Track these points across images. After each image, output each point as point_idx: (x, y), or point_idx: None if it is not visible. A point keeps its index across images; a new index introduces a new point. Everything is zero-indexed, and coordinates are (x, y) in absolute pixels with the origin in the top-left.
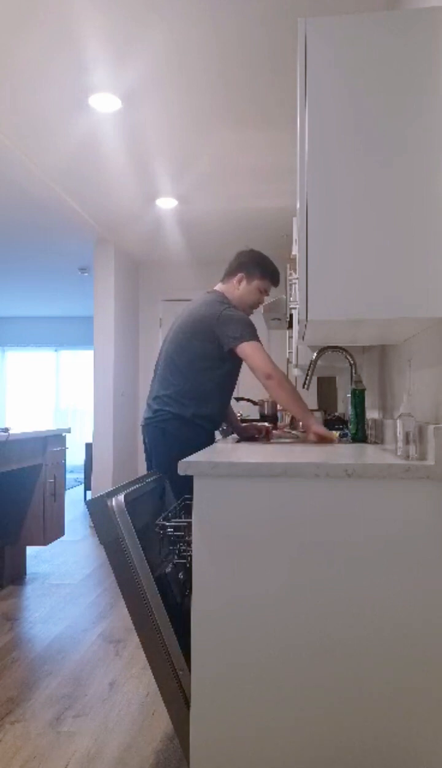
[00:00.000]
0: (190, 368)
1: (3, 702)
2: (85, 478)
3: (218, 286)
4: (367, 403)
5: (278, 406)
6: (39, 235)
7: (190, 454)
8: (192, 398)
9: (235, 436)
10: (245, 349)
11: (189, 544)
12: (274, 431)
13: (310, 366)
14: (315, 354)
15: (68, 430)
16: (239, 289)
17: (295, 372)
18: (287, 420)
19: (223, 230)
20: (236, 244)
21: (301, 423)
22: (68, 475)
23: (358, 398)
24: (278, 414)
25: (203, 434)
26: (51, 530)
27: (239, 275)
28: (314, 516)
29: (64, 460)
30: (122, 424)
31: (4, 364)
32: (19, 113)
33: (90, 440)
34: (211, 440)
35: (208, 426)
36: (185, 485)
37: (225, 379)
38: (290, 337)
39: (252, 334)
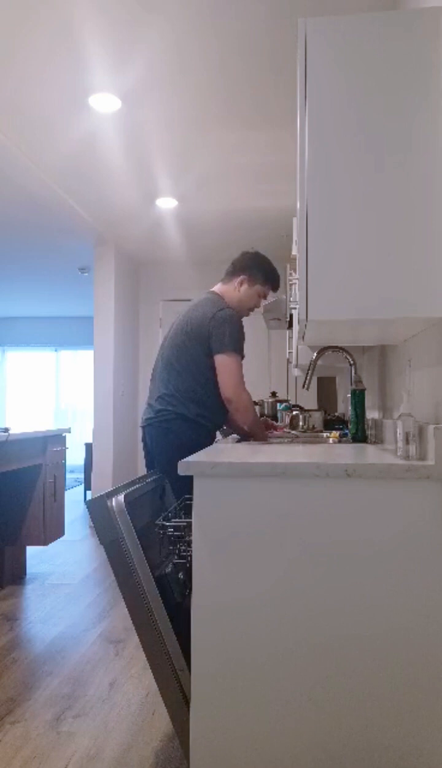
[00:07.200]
0: (190, 370)
1: (3, 702)
2: (85, 478)
3: (218, 287)
4: (367, 403)
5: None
6: (39, 235)
7: (193, 453)
8: (194, 399)
9: (235, 436)
10: (221, 360)
11: (189, 544)
12: (274, 431)
13: (310, 366)
14: (315, 354)
15: (68, 430)
16: (239, 291)
17: (295, 372)
18: (287, 420)
19: (223, 230)
20: (236, 244)
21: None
22: (68, 475)
23: (358, 398)
24: (278, 414)
25: (205, 433)
26: (51, 530)
27: (241, 277)
28: (314, 516)
29: (64, 460)
30: (122, 424)
31: (4, 364)
32: (19, 113)
33: (90, 440)
34: (212, 440)
35: (210, 426)
36: (188, 485)
37: None
38: (290, 337)
39: (235, 346)
